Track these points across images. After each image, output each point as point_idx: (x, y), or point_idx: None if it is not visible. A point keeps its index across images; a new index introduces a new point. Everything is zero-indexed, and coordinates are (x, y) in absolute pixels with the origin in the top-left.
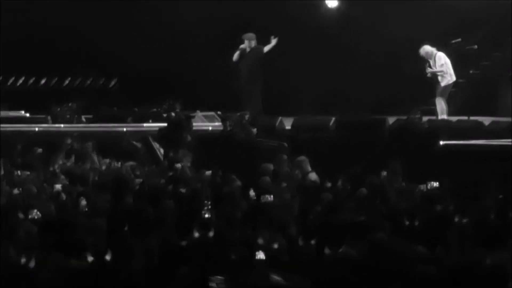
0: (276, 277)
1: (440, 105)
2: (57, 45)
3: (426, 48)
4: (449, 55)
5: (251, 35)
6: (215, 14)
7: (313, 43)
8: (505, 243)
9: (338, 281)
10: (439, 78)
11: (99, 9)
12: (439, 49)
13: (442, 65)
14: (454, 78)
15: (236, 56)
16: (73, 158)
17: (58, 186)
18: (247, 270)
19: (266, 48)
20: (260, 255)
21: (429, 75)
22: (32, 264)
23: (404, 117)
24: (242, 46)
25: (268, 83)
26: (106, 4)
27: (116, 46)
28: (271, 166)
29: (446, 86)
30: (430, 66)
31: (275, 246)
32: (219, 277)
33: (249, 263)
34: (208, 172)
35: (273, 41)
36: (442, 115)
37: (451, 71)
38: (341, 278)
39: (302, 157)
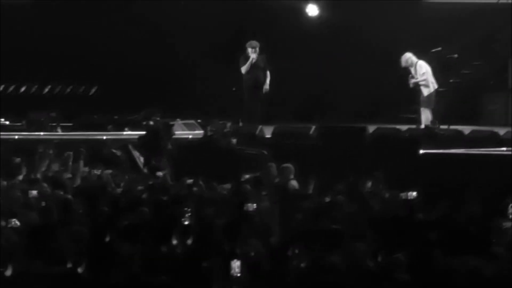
0: None
1: (426, 115)
2: (37, 52)
3: (407, 56)
4: (429, 63)
5: (255, 43)
6: (197, 22)
7: (294, 51)
8: (485, 251)
9: None
10: (422, 87)
11: (80, 16)
12: (419, 57)
13: (424, 73)
14: (436, 86)
15: (245, 68)
16: (53, 166)
17: (34, 193)
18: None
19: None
20: (236, 263)
21: (411, 85)
22: (8, 272)
23: (390, 126)
24: (251, 57)
25: None
26: (87, 12)
27: (96, 53)
28: (251, 174)
29: (429, 96)
30: (412, 76)
31: (253, 254)
32: None
33: (224, 272)
34: (189, 180)
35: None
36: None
37: (432, 79)
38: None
39: (287, 164)
